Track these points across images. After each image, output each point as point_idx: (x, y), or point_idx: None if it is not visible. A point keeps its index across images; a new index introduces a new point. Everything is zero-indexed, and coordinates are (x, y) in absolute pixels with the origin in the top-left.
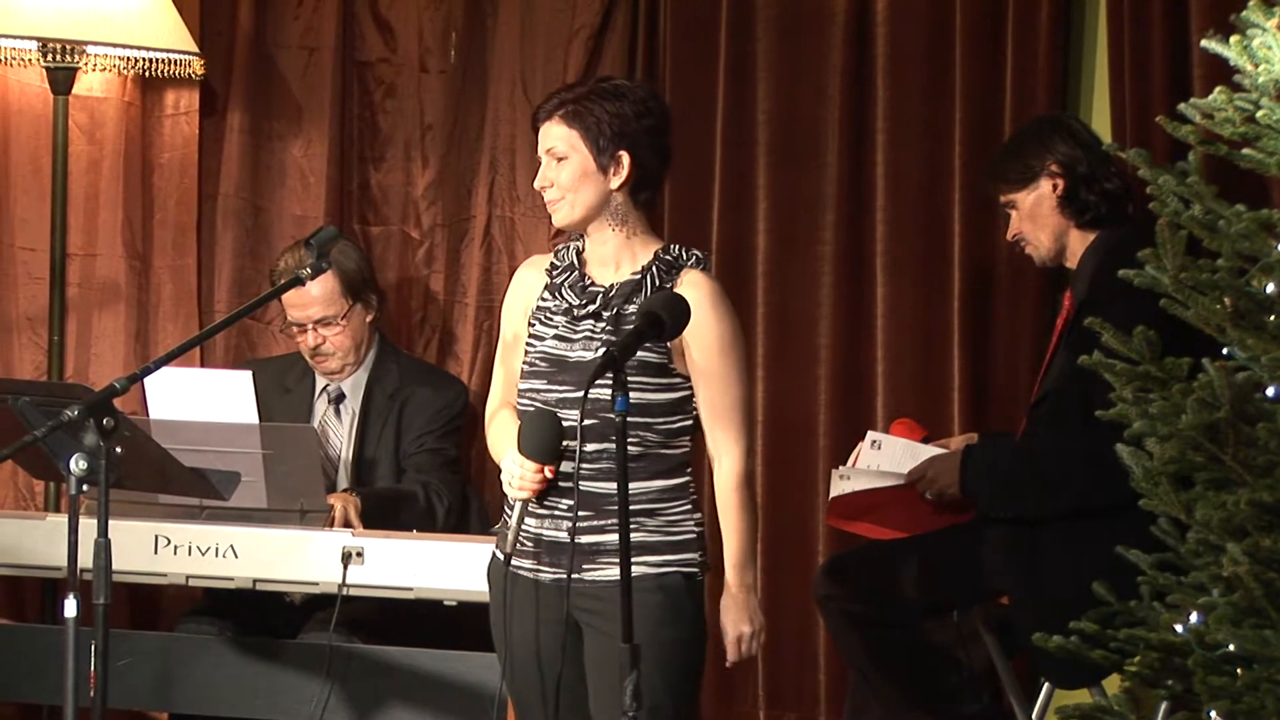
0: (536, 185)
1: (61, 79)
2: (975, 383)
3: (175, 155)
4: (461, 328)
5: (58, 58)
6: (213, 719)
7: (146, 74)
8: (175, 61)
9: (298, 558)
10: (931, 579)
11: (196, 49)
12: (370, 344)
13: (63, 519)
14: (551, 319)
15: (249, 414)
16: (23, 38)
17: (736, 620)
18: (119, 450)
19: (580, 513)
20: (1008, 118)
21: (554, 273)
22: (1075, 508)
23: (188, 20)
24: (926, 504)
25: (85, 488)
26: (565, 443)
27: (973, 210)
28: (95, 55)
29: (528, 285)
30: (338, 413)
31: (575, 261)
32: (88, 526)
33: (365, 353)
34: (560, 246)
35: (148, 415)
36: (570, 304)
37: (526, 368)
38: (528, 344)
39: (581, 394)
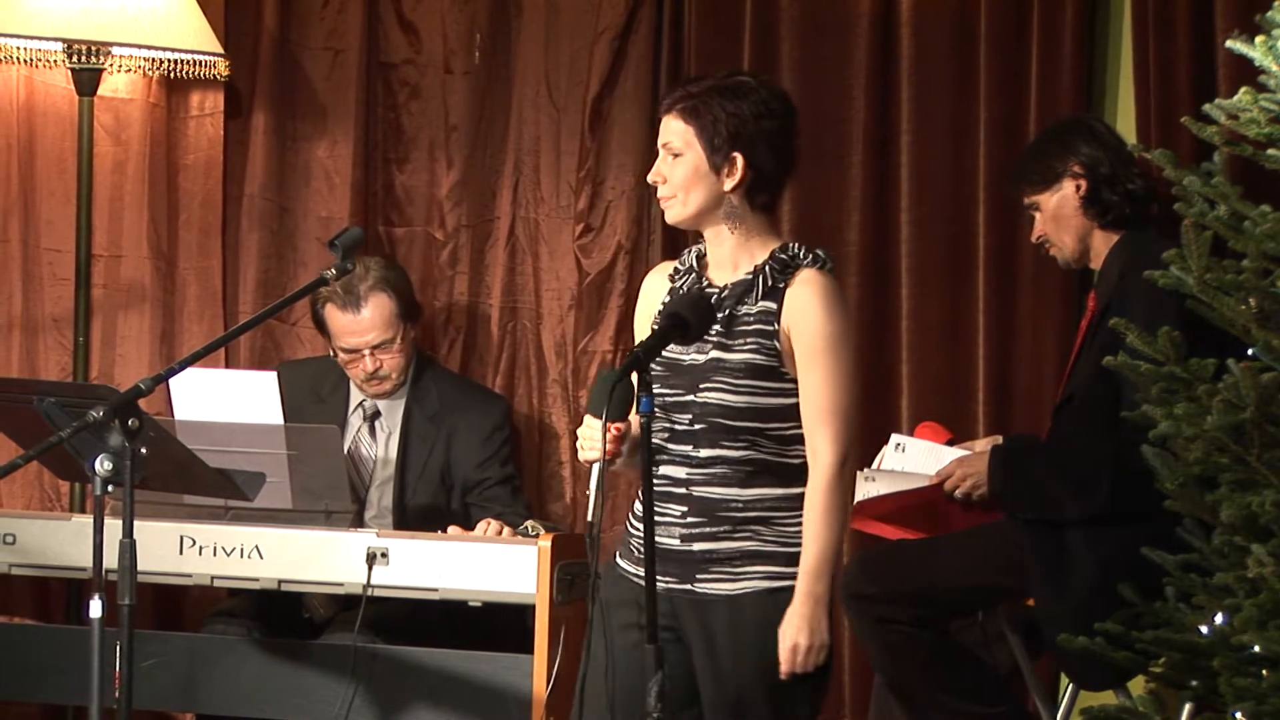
0: (649, 179)
1: (86, 80)
2: (1000, 384)
3: (200, 156)
4: (485, 329)
5: (83, 59)
6: (238, 719)
7: (171, 75)
8: (200, 63)
9: (323, 558)
10: (957, 580)
11: (221, 50)
12: (412, 359)
13: (88, 520)
14: None
15: (274, 415)
16: (48, 39)
17: (795, 630)
18: (144, 451)
19: (692, 519)
20: (1032, 118)
21: (676, 277)
22: (1102, 509)
23: (212, 21)
24: (952, 505)
25: (110, 488)
26: (670, 443)
27: (997, 211)
28: (120, 56)
29: (652, 291)
30: (372, 430)
31: (696, 265)
32: (113, 527)
33: (409, 369)
34: (686, 250)
35: (173, 416)
36: None
37: None
38: None
39: (693, 397)
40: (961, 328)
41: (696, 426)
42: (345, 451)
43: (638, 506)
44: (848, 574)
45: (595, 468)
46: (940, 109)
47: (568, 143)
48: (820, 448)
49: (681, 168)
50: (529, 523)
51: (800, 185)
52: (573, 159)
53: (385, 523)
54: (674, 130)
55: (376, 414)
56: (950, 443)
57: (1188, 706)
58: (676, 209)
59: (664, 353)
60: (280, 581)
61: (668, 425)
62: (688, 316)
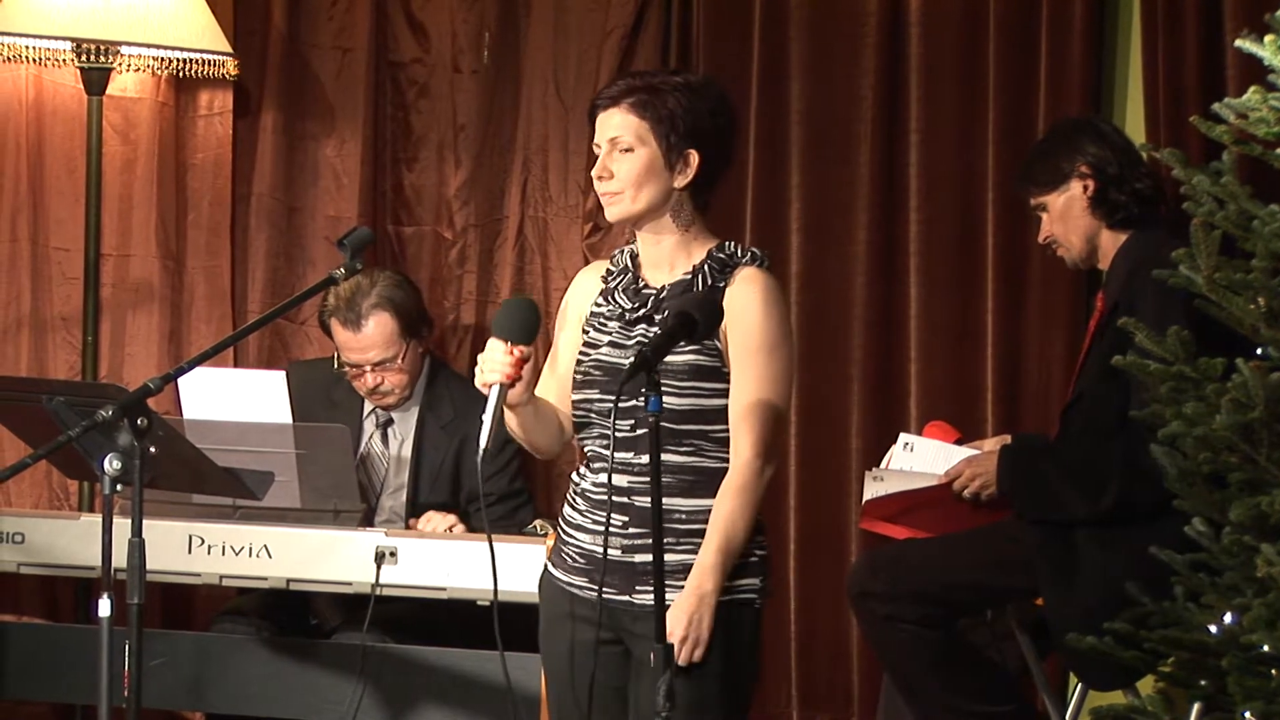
0: (594, 174)
1: (96, 79)
2: (1008, 384)
3: (209, 156)
4: None
5: (92, 58)
6: (246, 718)
7: (180, 74)
8: (209, 62)
9: (331, 558)
10: (965, 579)
11: (230, 49)
12: (421, 370)
13: (97, 519)
14: (605, 325)
15: (282, 414)
16: (57, 38)
17: (672, 621)
18: (153, 450)
19: (634, 530)
20: (1041, 118)
21: (609, 277)
22: (1111, 509)
23: (221, 20)
24: (961, 505)
25: (119, 487)
26: (608, 449)
27: (1006, 211)
28: (129, 56)
29: (582, 291)
30: (384, 438)
31: (630, 264)
32: (122, 526)
33: (418, 381)
34: (617, 250)
35: (181, 415)
36: (623, 308)
37: (580, 377)
38: (581, 352)
39: (637, 402)
40: (970, 327)
41: (639, 431)
42: (357, 457)
43: (568, 512)
44: (855, 573)
45: (493, 391)
46: (949, 109)
47: (576, 142)
48: (742, 446)
49: (631, 163)
50: (537, 522)
51: (808, 185)
52: (581, 158)
53: (397, 528)
54: (624, 124)
55: (389, 420)
56: (959, 442)
57: (1196, 706)
58: (623, 205)
59: (600, 357)
60: (289, 581)
61: (606, 432)
62: (695, 316)
